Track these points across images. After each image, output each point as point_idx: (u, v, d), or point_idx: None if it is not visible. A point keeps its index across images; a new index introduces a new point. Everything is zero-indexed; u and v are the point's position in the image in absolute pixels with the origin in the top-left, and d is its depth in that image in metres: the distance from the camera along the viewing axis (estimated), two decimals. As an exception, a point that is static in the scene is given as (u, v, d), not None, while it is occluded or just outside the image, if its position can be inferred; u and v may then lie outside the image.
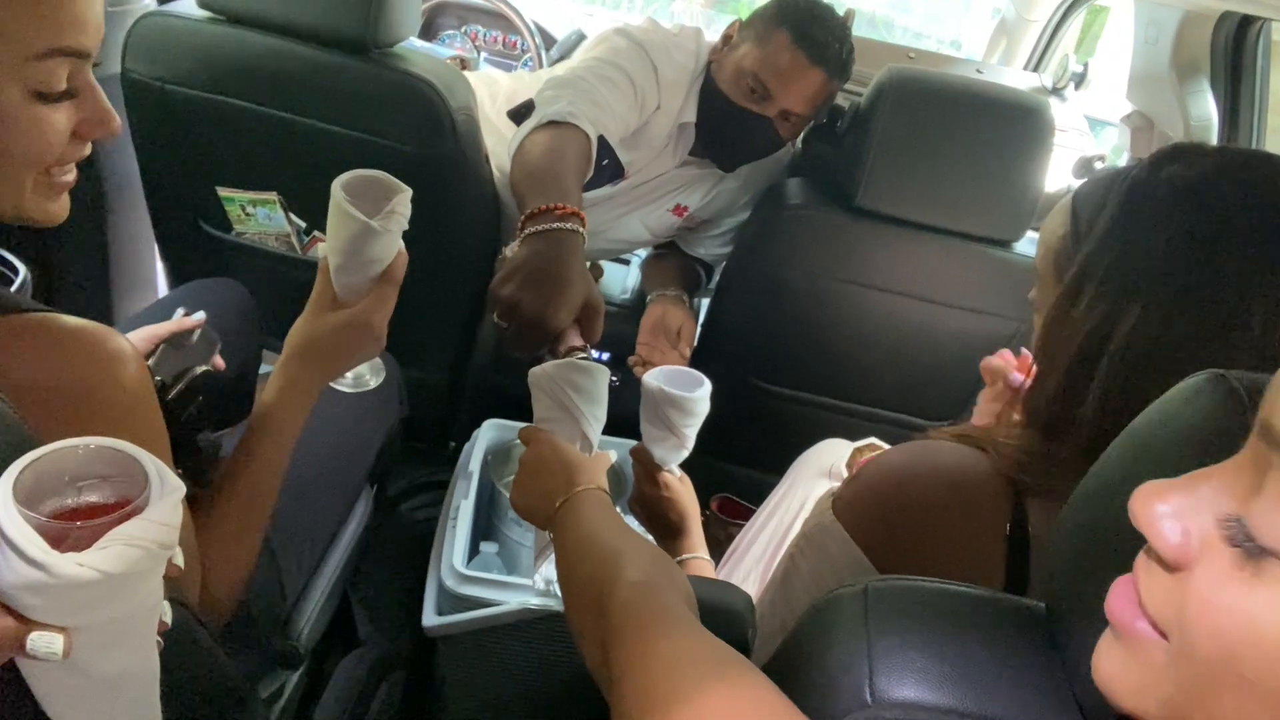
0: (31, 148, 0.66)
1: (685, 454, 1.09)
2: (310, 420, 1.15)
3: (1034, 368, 0.77)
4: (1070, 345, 0.67)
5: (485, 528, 1.49)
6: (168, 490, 0.48)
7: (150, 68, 1.38)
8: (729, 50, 1.44)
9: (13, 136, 0.64)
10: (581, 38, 2.22)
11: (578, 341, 0.97)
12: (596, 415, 0.94)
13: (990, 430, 0.78)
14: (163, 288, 1.78)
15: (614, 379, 1.70)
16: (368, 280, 0.83)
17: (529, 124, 1.22)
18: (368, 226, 0.78)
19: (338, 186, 0.79)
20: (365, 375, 1.00)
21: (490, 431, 1.55)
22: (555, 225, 0.97)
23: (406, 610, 1.44)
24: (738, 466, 1.78)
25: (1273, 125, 1.41)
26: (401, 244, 0.84)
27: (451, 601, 1.25)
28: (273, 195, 1.48)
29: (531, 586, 1.24)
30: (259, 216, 1.53)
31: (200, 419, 0.87)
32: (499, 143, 1.51)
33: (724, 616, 0.70)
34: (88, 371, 0.64)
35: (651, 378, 1.05)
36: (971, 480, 0.72)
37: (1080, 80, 1.73)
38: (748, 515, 1.46)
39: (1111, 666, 0.40)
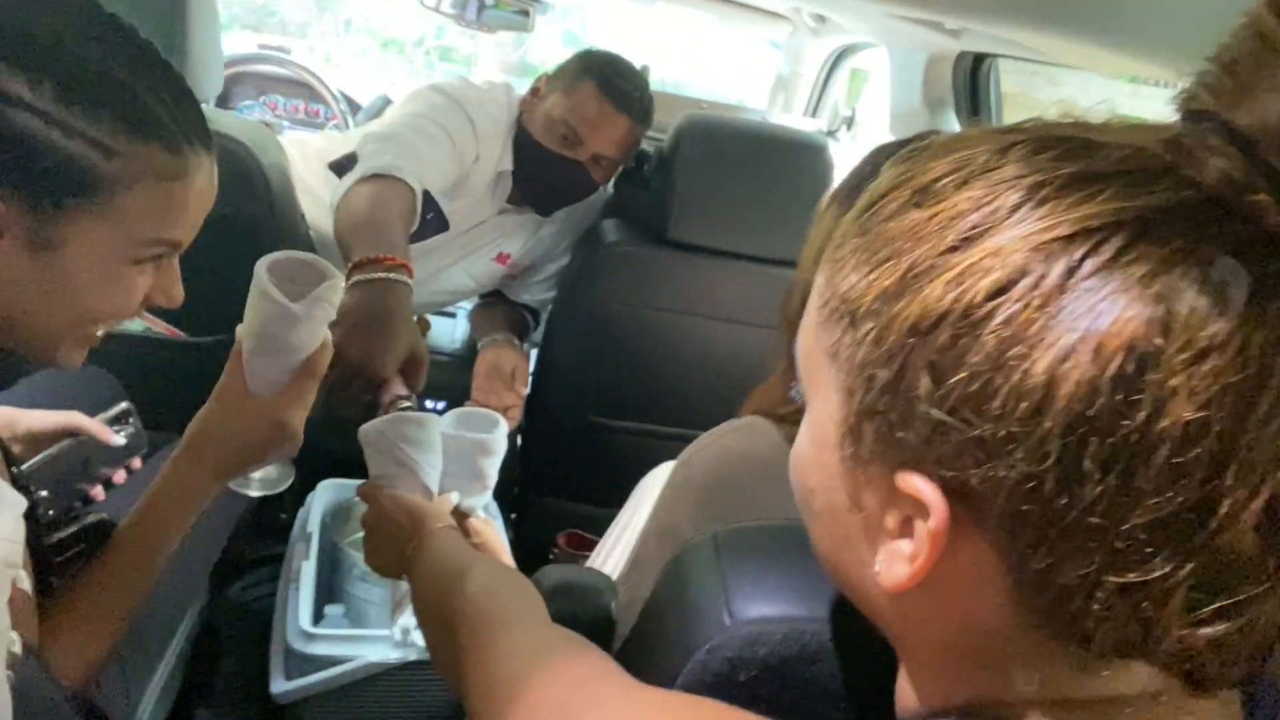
0: (109, 307, 0.69)
1: (488, 498, 1.07)
2: None
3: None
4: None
5: (329, 590, 1.44)
6: (5, 505, 0.47)
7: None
8: (538, 101, 1.53)
9: (102, 296, 0.68)
10: (387, 103, 2.24)
11: (402, 390, 0.96)
12: (433, 464, 0.93)
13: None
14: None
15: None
16: (284, 371, 0.76)
17: (353, 176, 1.24)
18: (286, 310, 0.72)
19: (261, 266, 0.73)
20: (274, 476, 0.91)
21: (327, 492, 1.51)
22: (382, 275, 0.99)
23: (249, 690, 1.36)
24: (580, 504, 1.82)
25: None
26: (328, 335, 0.78)
27: (301, 664, 1.20)
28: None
29: (387, 638, 1.22)
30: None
31: (76, 563, 0.76)
32: (314, 203, 1.51)
33: (586, 591, 0.73)
34: None
35: (447, 426, 1.02)
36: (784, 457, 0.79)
37: (850, 123, 1.95)
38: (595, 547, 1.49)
39: None
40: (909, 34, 1.39)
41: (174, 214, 0.69)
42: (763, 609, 0.52)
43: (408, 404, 0.96)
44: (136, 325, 1.49)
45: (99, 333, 0.73)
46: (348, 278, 0.99)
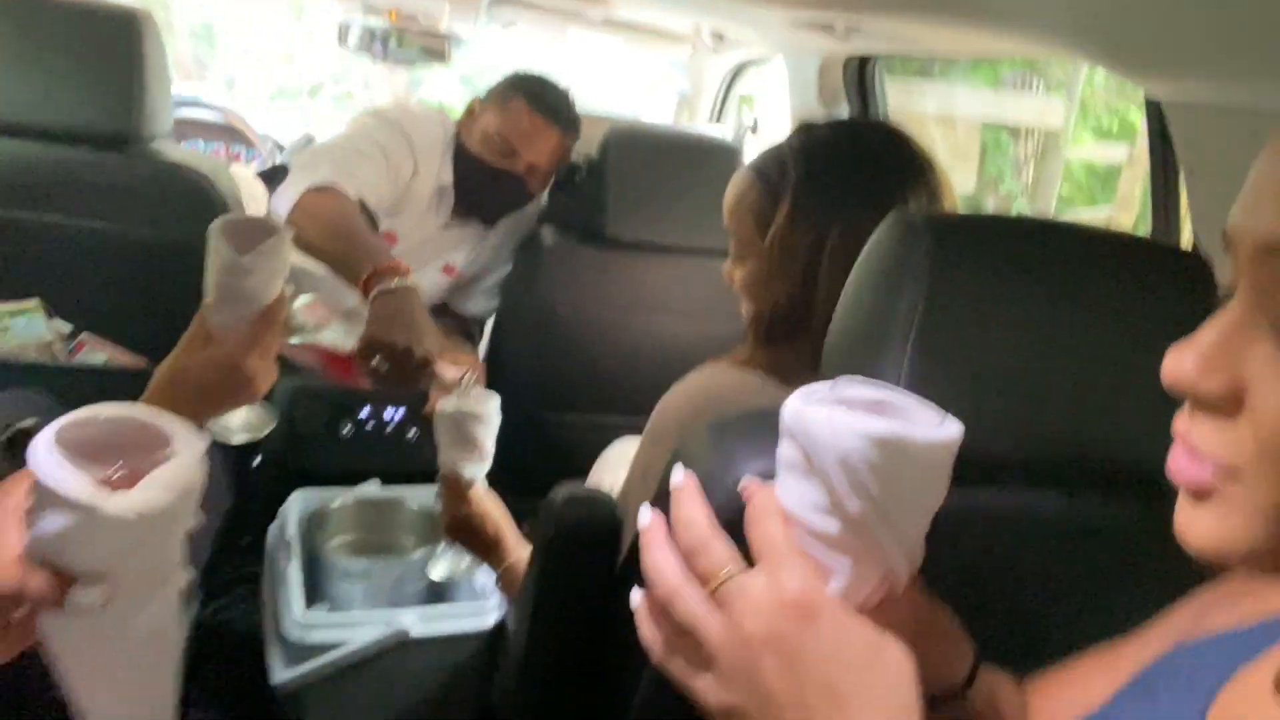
0: None
1: (487, 465, 1.16)
2: None
3: (748, 306, 1.01)
4: (796, 264, 0.92)
5: (310, 594, 1.50)
6: (190, 441, 0.53)
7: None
8: (473, 120, 1.65)
9: None
10: (310, 140, 2.33)
11: (453, 372, 1.11)
12: (492, 439, 1.10)
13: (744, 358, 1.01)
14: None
15: (411, 432, 1.78)
16: (242, 319, 0.83)
17: (296, 185, 1.35)
18: (235, 260, 0.80)
19: (216, 224, 0.81)
20: (255, 422, 0.96)
21: (300, 500, 1.57)
22: (397, 283, 1.15)
23: (239, 698, 1.41)
24: (533, 499, 1.91)
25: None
26: (286, 289, 0.86)
27: (298, 653, 1.26)
28: (33, 302, 1.44)
29: (376, 622, 1.29)
30: (16, 328, 1.47)
31: None
32: None
33: (595, 501, 0.86)
34: None
35: (446, 404, 1.13)
36: (754, 387, 0.93)
37: (755, 127, 2.14)
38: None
39: (1204, 528, 0.39)
40: (802, 41, 1.58)
41: None
42: (759, 463, 0.65)
43: (471, 378, 1.10)
44: (97, 358, 1.54)
45: None
46: (365, 289, 1.14)
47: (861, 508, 0.42)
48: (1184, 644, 0.49)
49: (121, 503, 0.48)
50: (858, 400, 0.45)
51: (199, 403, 0.84)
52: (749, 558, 0.45)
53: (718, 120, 2.39)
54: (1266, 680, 0.42)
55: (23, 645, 0.53)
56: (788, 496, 0.45)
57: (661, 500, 0.49)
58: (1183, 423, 0.40)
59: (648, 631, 0.46)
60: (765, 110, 2.36)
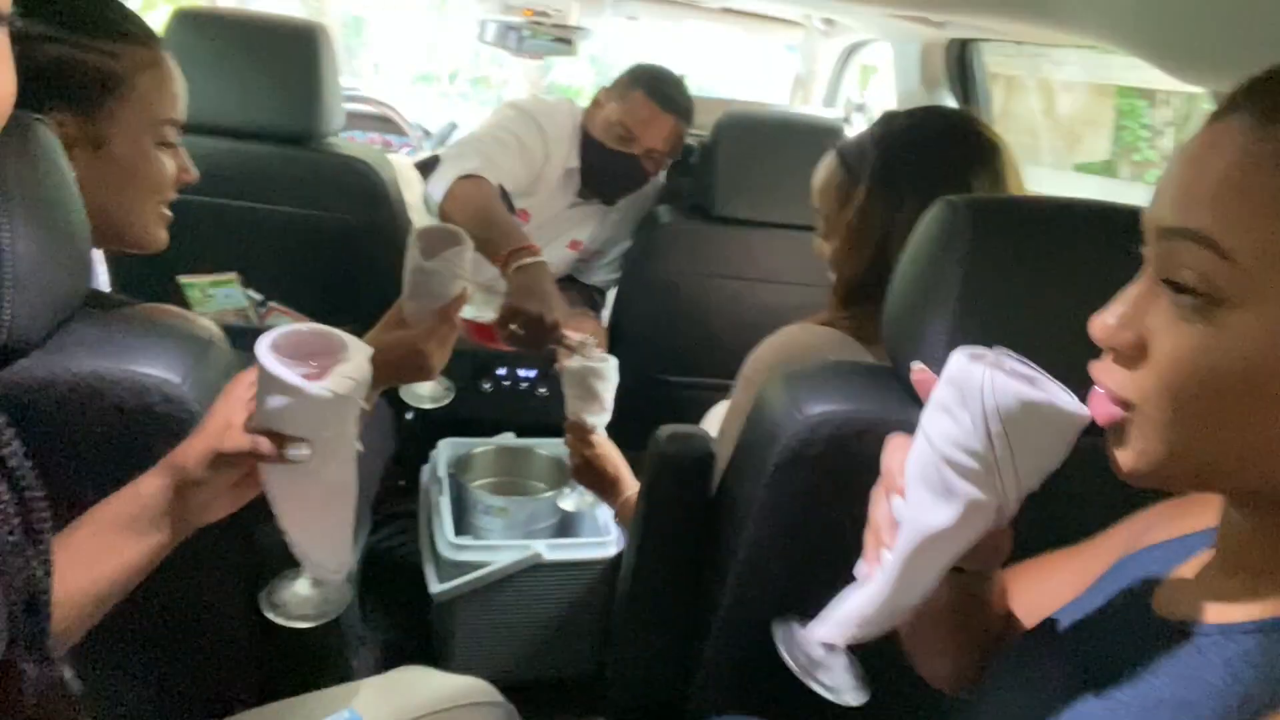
0: (157, 180, 0.97)
1: (608, 417, 1.34)
2: None
3: (834, 275, 1.15)
4: (873, 235, 1.06)
5: (456, 525, 1.73)
6: (361, 348, 0.71)
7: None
8: (598, 110, 1.84)
9: (148, 172, 0.95)
10: (454, 127, 2.58)
11: (578, 336, 1.30)
12: (611, 394, 1.29)
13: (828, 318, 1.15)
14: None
15: (542, 390, 1.99)
16: (429, 312, 1.00)
17: (446, 175, 1.57)
18: (421, 263, 0.98)
19: (413, 233, 1.00)
20: (439, 393, 1.16)
21: (448, 447, 1.81)
22: (530, 260, 1.36)
23: (400, 612, 1.66)
24: (651, 452, 2.10)
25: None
26: (464, 289, 1.01)
27: (450, 570, 1.49)
28: (233, 275, 1.72)
29: (515, 548, 1.50)
30: (219, 297, 1.76)
31: None
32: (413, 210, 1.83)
33: (693, 436, 1.02)
34: None
35: (572, 361, 1.31)
36: (834, 343, 1.08)
37: (862, 109, 2.24)
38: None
39: (1123, 456, 0.49)
40: (903, 28, 1.68)
41: (167, 93, 0.95)
42: (821, 405, 0.80)
43: (592, 341, 1.29)
44: (283, 323, 1.81)
45: (164, 209, 1.00)
46: (505, 266, 1.34)
47: (998, 454, 0.50)
48: (1129, 554, 0.62)
49: (321, 387, 0.65)
50: (1012, 369, 0.52)
51: (382, 371, 0.98)
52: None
53: (830, 103, 2.49)
54: (1190, 576, 0.55)
55: (254, 491, 0.73)
56: (935, 429, 0.53)
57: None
58: (1100, 371, 0.50)
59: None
60: (880, 88, 2.45)
